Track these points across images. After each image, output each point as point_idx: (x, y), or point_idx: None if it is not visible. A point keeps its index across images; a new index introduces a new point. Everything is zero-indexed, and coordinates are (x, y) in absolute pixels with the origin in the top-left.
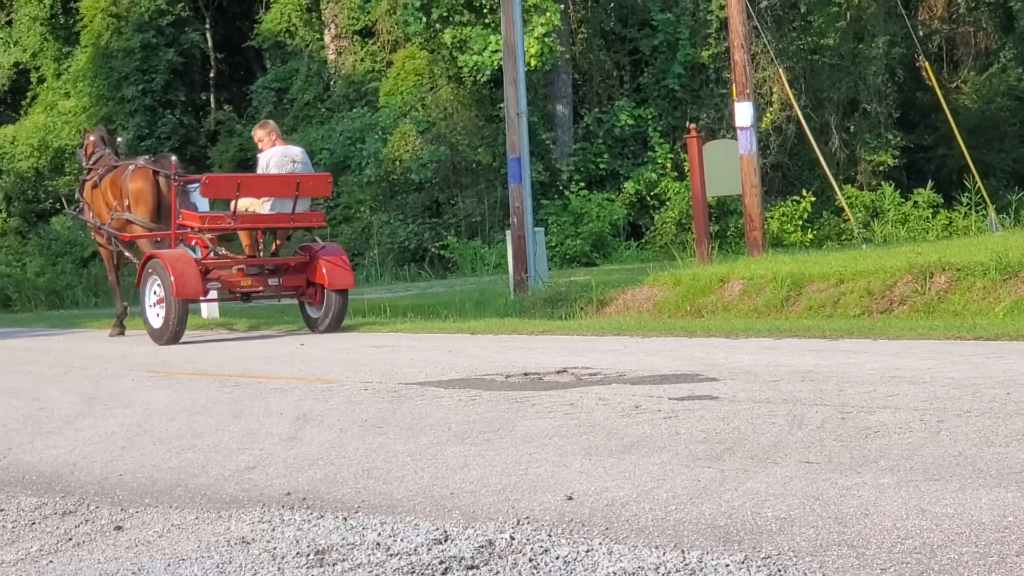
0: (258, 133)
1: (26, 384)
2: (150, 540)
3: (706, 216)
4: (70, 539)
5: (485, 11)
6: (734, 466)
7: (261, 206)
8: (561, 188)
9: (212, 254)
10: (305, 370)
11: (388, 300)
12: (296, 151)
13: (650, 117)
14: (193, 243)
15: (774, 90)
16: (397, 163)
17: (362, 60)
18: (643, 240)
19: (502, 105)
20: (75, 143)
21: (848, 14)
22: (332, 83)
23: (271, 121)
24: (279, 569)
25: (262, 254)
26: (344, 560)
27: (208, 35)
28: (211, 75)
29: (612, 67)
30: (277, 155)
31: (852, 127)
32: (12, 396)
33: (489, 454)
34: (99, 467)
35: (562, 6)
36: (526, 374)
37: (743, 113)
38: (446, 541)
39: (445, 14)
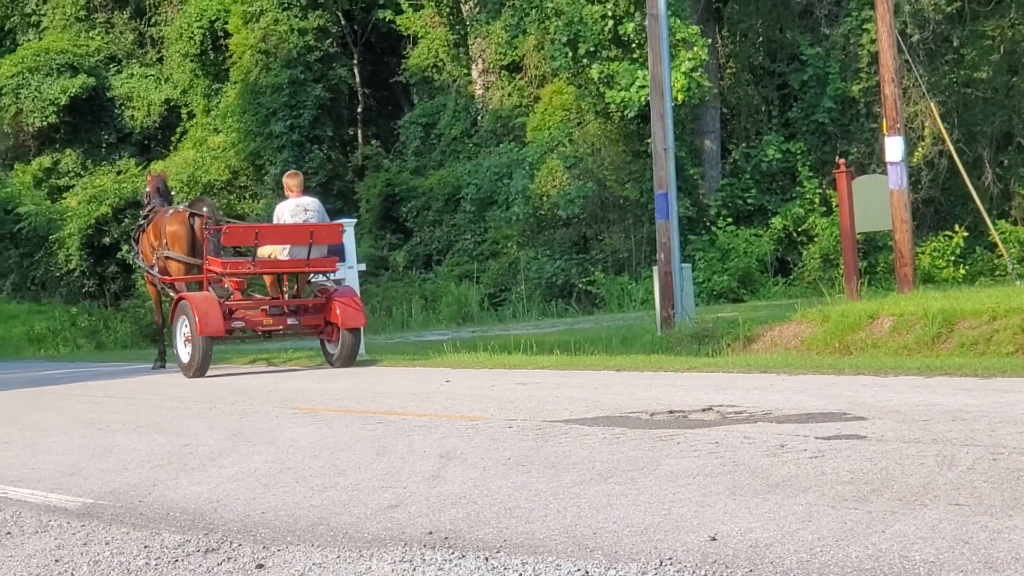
0: (288, 182)
1: (171, 420)
2: None
3: (855, 252)
4: None
5: (633, 46)
6: (881, 508)
7: (281, 253)
8: (708, 224)
9: (243, 295)
10: (450, 407)
11: (535, 336)
12: (308, 201)
13: (799, 152)
14: (227, 285)
15: (926, 124)
16: (544, 199)
17: (509, 95)
18: (791, 276)
19: (649, 140)
20: (224, 178)
21: (1002, 47)
22: (479, 118)
23: (300, 174)
24: None
25: (286, 295)
26: None
27: (356, 71)
28: (358, 110)
29: (760, 102)
30: (290, 206)
31: (1006, 161)
32: (158, 432)
33: (632, 493)
34: (242, 504)
35: (710, 40)
36: (671, 412)
37: (893, 148)
38: None
39: (592, 49)
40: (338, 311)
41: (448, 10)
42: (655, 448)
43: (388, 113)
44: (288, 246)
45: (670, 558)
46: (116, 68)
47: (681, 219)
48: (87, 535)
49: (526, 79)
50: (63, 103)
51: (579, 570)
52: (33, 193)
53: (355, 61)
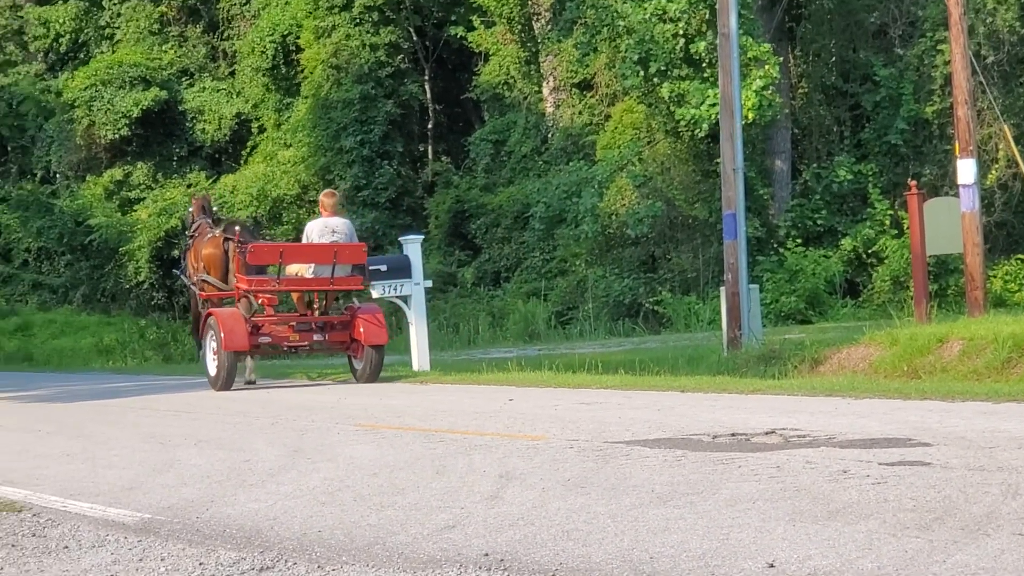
0: (324, 200)
1: (233, 435)
2: None
3: (925, 274)
4: None
5: (704, 65)
6: (943, 537)
7: (307, 271)
8: (777, 244)
9: (274, 312)
10: (512, 426)
11: (600, 355)
12: (337, 222)
13: (870, 173)
14: (260, 302)
15: (999, 147)
16: (613, 217)
17: (580, 113)
18: (860, 298)
19: (719, 160)
20: (293, 193)
21: None
22: (550, 136)
23: (336, 194)
24: None
25: (316, 313)
26: None
27: (427, 87)
28: (429, 126)
29: (832, 122)
30: (319, 226)
31: None
32: (218, 447)
33: (691, 517)
34: (299, 522)
35: (781, 59)
36: (733, 435)
37: (966, 170)
38: None
39: (663, 68)
40: (361, 328)
41: (520, 27)
42: (716, 471)
43: (458, 129)
44: (313, 265)
45: None
46: (188, 81)
47: (750, 239)
48: (143, 551)
49: (597, 97)
50: (135, 116)
51: None
52: (104, 205)
53: (426, 77)
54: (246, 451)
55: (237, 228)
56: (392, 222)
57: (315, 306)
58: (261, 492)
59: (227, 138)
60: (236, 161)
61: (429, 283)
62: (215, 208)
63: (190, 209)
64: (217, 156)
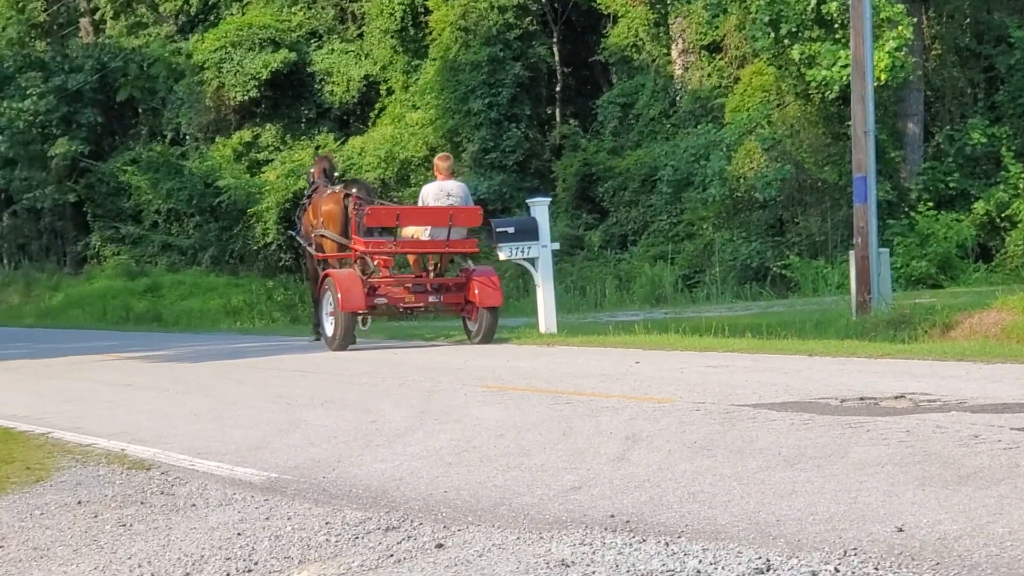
0: (439, 164)
1: (359, 396)
2: (470, 560)
3: None
4: (391, 555)
5: (835, 26)
6: None
7: (423, 234)
8: (908, 208)
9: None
10: (638, 389)
11: (727, 319)
12: (453, 186)
13: (1004, 136)
14: (376, 263)
15: None
16: (741, 180)
17: (709, 76)
18: (992, 263)
19: (849, 122)
20: (421, 155)
21: None
22: (678, 99)
23: (451, 157)
24: None
25: (431, 275)
26: None
27: (555, 49)
28: (557, 89)
29: (966, 84)
30: (434, 190)
31: None
32: (345, 408)
33: (818, 481)
34: (425, 483)
35: (915, 20)
36: (862, 399)
37: None
38: (768, 571)
39: (794, 29)
40: (476, 291)
41: None
42: (844, 435)
43: (586, 92)
44: (429, 227)
45: (854, 548)
46: (317, 43)
47: (880, 203)
48: (270, 509)
49: (726, 59)
50: (264, 78)
51: (760, 558)
52: (233, 167)
53: (554, 39)
54: (372, 412)
55: (355, 190)
56: (519, 185)
57: (430, 268)
58: (387, 453)
59: (355, 100)
60: (364, 123)
61: (556, 245)
62: (337, 172)
63: (311, 170)
64: (345, 118)
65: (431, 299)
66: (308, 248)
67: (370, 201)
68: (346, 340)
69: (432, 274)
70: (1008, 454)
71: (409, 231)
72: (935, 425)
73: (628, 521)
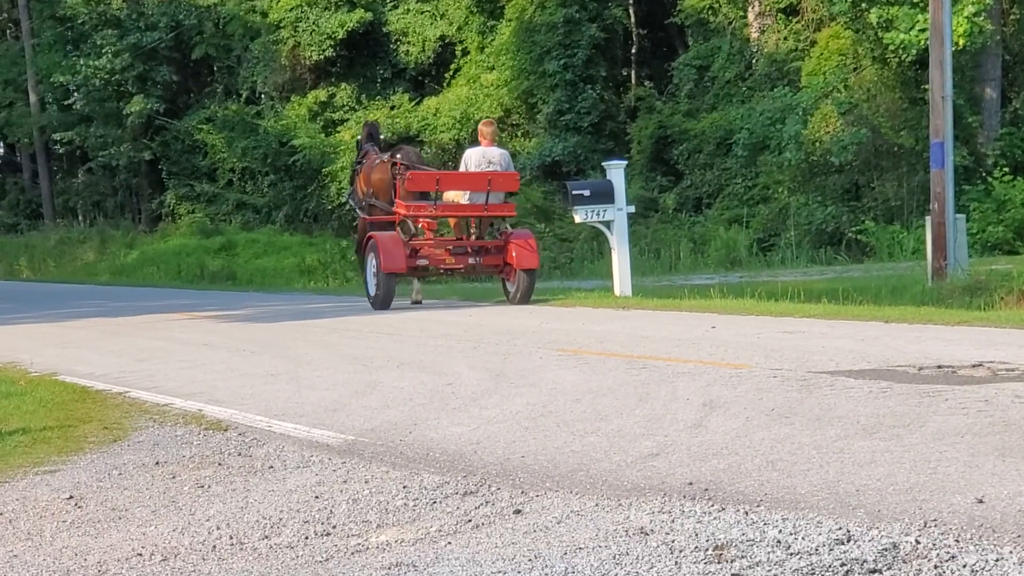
0: (483, 129)
1: (435, 358)
2: (548, 526)
3: None
4: (469, 520)
5: None
6: None
7: (463, 198)
8: (984, 174)
9: (433, 236)
10: (715, 354)
11: (802, 283)
12: (494, 153)
13: None
14: (420, 226)
15: None
16: (817, 144)
17: (785, 39)
18: None
19: (927, 87)
20: (496, 116)
21: None
22: (754, 61)
23: (494, 123)
24: (676, 564)
25: (472, 237)
26: (743, 557)
27: (631, 11)
28: (633, 51)
29: None
30: (476, 155)
31: None
32: (421, 370)
33: (897, 450)
34: (502, 447)
35: None
36: (939, 367)
37: None
38: (848, 542)
39: None
40: (514, 253)
41: None
42: (922, 404)
43: (662, 55)
44: (468, 192)
45: (935, 519)
46: (392, 3)
47: (957, 168)
48: (347, 472)
49: (803, 23)
50: (340, 37)
51: (840, 528)
52: (308, 126)
53: (631, 1)
54: (448, 375)
55: (399, 156)
56: (594, 147)
57: (471, 231)
58: (464, 416)
59: (430, 60)
60: (439, 84)
61: (632, 209)
62: (383, 135)
63: (359, 137)
64: (420, 78)
65: (471, 260)
66: (359, 212)
67: (411, 166)
68: (388, 300)
69: (472, 237)
70: None
71: (449, 195)
72: (1014, 395)
73: (707, 489)
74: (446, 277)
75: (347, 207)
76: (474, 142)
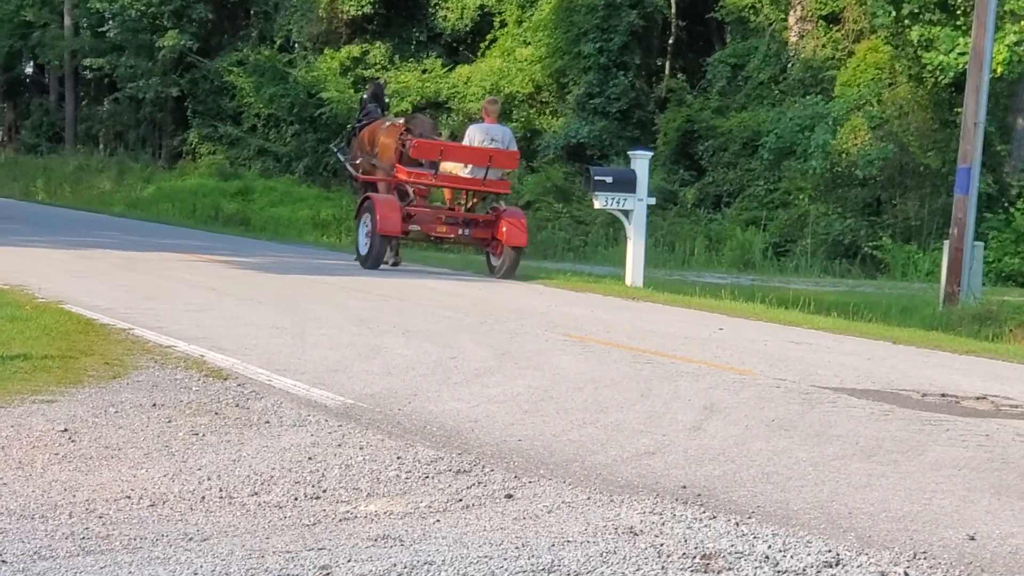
0: (488, 107)
1: (442, 329)
2: (538, 514)
3: None
4: (460, 500)
5: (958, 12)
6: None
7: (463, 170)
8: (1007, 203)
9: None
10: (720, 357)
11: (814, 293)
12: (498, 130)
13: None
14: (413, 191)
15: None
16: (843, 155)
17: (823, 46)
18: None
19: (959, 110)
20: (526, 91)
21: None
22: (790, 66)
23: (499, 101)
24: (663, 568)
25: (463, 209)
26: (730, 569)
27: (672, 1)
28: (669, 42)
29: None
30: (480, 131)
31: None
32: (426, 340)
33: (894, 476)
34: (499, 428)
35: None
36: (944, 395)
37: None
38: (837, 565)
39: (916, 10)
40: (504, 229)
41: None
42: (923, 432)
43: (698, 48)
44: (469, 166)
45: (924, 552)
46: None
47: (980, 195)
48: (342, 436)
49: (843, 32)
50: None
51: (830, 551)
52: (338, 80)
53: None
54: (453, 348)
55: (412, 124)
56: (620, 133)
57: (462, 202)
58: (464, 392)
59: (467, 28)
60: (473, 52)
61: (652, 200)
62: (387, 99)
63: (363, 95)
64: (455, 45)
65: (461, 231)
66: (349, 168)
67: (420, 134)
68: (378, 260)
69: (464, 208)
70: None
71: (449, 166)
72: (1015, 432)
73: (700, 495)
74: (432, 244)
75: (332, 158)
76: (502, 116)
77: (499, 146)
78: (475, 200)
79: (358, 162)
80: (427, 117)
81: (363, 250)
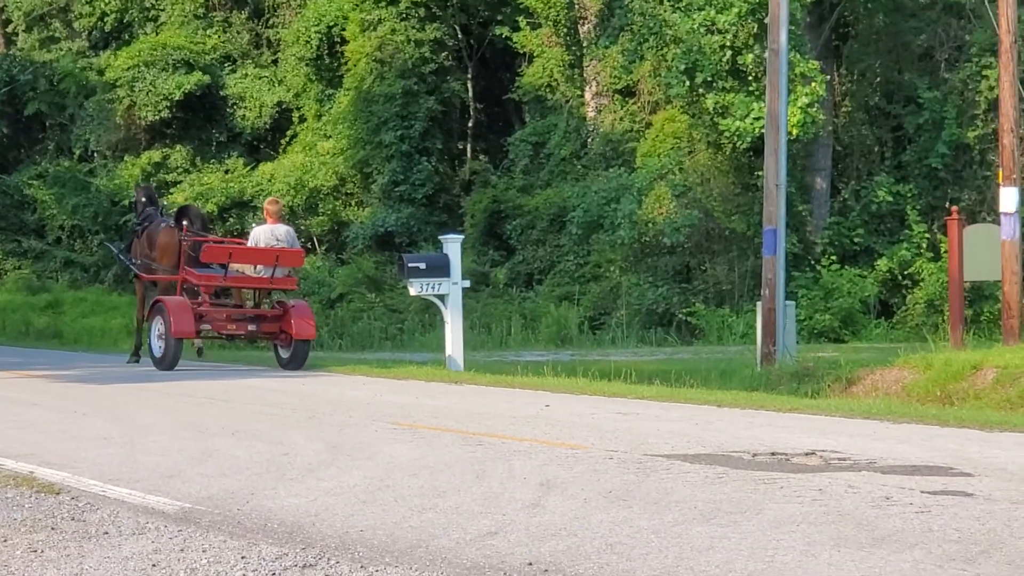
0: (268, 208)
1: (271, 427)
2: None
3: (962, 300)
4: None
5: (750, 78)
6: (989, 571)
7: (251, 270)
8: (813, 261)
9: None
10: (550, 433)
11: (634, 363)
12: (282, 230)
13: (909, 195)
14: (199, 289)
15: None
16: (650, 225)
17: (621, 119)
18: (893, 319)
19: (760, 173)
20: (330, 184)
21: None
22: (590, 140)
23: (280, 201)
24: None
25: (250, 305)
26: None
27: (469, 85)
28: (469, 125)
29: (874, 142)
30: (266, 232)
31: None
32: (257, 439)
33: (735, 537)
34: (340, 520)
35: (827, 76)
36: (773, 454)
37: (1008, 198)
38: None
39: (709, 78)
40: (293, 323)
41: (565, 31)
42: (758, 491)
43: (499, 129)
44: (258, 265)
45: None
46: (231, 67)
47: (787, 255)
48: (184, 540)
49: (639, 104)
50: (176, 99)
51: None
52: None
53: (469, 75)
54: (285, 444)
55: (185, 222)
56: (427, 219)
57: (247, 299)
58: (301, 487)
59: (267, 126)
60: (275, 150)
61: (467, 283)
62: (163, 204)
63: (135, 199)
64: (256, 143)
65: (250, 327)
66: (134, 268)
67: (199, 232)
68: (175, 361)
69: (250, 304)
70: (920, 518)
71: (238, 267)
72: (847, 485)
73: (547, 570)
74: (227, 342)
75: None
76: (309, 209)
77: (284, 245)
78: (262, 297)
79: (137, 263)
80: (196, 209)
81: (157, 353)
